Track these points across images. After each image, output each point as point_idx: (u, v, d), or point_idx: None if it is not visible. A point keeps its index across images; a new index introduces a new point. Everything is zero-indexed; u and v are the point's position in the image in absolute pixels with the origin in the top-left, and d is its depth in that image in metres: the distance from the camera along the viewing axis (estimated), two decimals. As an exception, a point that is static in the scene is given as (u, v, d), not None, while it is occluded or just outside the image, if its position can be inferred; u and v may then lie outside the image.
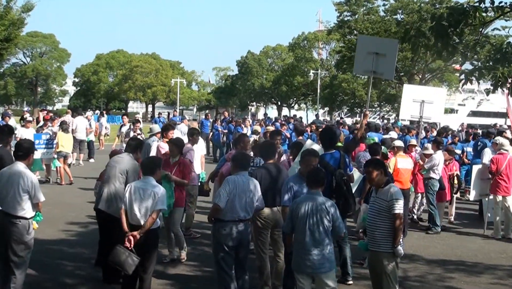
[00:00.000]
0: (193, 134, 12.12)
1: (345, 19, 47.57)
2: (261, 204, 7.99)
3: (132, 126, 18.81)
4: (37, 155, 17.21)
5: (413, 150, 14.07)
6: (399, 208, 7.01)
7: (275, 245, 8.70)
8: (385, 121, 35.98)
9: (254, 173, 8.49)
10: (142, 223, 7.53)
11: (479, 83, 11.84)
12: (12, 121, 20.95)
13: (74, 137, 21.19)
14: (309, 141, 10.93)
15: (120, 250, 7.48)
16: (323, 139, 9.39)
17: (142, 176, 7.93)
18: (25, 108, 36.75)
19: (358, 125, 23.11)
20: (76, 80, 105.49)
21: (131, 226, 7.58)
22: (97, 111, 77.27)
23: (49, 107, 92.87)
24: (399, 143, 13.06)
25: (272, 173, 8.57)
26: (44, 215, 8.23)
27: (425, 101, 15.40)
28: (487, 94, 11.05)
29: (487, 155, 13.92)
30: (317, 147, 9.54)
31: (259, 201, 7.93)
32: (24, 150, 7.78)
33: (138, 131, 17.54)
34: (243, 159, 8.14)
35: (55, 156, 18.16)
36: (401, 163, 12.29)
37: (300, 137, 14.97)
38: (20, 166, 7.64)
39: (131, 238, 7.46)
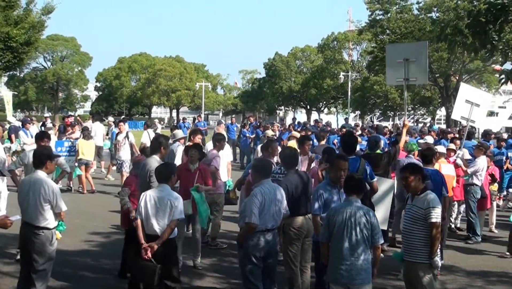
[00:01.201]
0: (219, 140, 12.08)
1: (377, 18, 47.33)
2: (287, 211, 7.95)
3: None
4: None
5: (451, 155, 13.85)
6: (436, 216, 6.93)
7: (303, 255, 8.66)
8: (420, 125, 35.63)
9: (283, 181, 8.46)
10: (159, 233, 7.55)
11: (520, 83, 11.66)
12: (35, 128, 21.15)
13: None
14: None
15: (140, 263, 7.50)
16: (344, 144, 9.49)
17: (158, 184, 7.94)
18: (46, 114, 37.18)
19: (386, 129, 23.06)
20: (98, 84, 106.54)
21: (147, 236, 7.60)
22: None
23: (71, 113, 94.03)
24: (441, 149, 12.89)
25: (302, 180, 8.54)
26: (65, 225, 8.28)
27: (474, 104, 15.20)
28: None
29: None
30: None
31: (285, 208, 7.91)
32: (39, 157, 7.82)
33: None
34: (264, 166, 8.04)
35: (76, 164, 18.22)
36: (444, 169, 12.11)
37: (322, 142, 14.93)
38: (41, 174, 7.68)
39: (149, 248, 7.48)
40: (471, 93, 15.49)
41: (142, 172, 8.92)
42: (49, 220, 7.58)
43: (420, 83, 19.60)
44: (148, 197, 7.65)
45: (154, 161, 8.90)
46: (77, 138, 18.79)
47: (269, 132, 18.14)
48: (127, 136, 18.41)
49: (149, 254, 7.45)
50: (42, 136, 10.98)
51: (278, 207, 7.71)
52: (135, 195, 9.43)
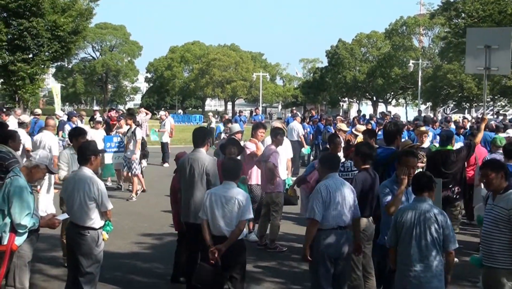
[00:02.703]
0: (276, 135, 12.02)
1: (451, 0, 46.46)
2: (356, 210, 7.80)
3: (223, 127, 18.74)
4: (108, 159, 17.61)
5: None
6: (522, 217, 6.73)
7: (366, 260, 8.59)
8: (501, 117, 34.81)
9: (355, 178, 8.40)
10: (226, 234, 7.55)
11: None
12: (82, 123, 21.41)
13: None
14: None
15: (205, 267, 7.53)
16: (384, 135, 9.62)
17: (223, 181, 7.92)
18: (95, 108, 38.02)
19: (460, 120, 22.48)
20: (149, 76, 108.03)
21: (214, 238, 7.61)
22: (180, 111, 78.75)
23: (120, 106, 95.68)
24: None
25: (370, 180, 8.44)
26: (114, 226, 8.36)
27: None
28: None
29: None
30: None
31: (355, 207, 7.77)
32: (83, 153, 7.89)
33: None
34: (330, 159, 8.04)
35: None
36: None
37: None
38: (86, 171, 7.75)
39: (216, 251, 7.50)
40: None
41: (190, 168, 8.82)
42: (94, 219, 7.66)
43: (502, 74, 19.17)
44: (214, 196, 7.65)
45: (204, 155, 8.89)
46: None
47: (343, 127, 17.64)
48: (134, 132, 17.94)
49: (216, 257, 7.48)
50: (76, 134, 10.48)
51: (347, 202, 7.60)
52: None
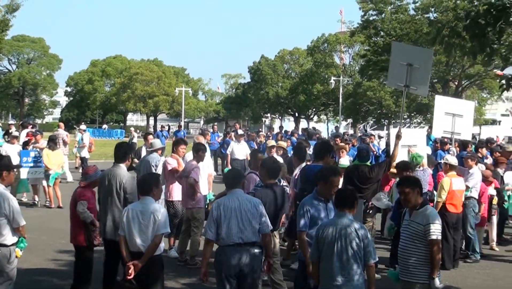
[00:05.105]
0: (198, 150, 12.07)
1: (371, 18, 47.48)
2: (263, 226, 7.65)
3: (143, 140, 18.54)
4: (23, 174, 17.28)
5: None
6: (436, 232, 6.98)
7: (275, 273, 8.92)
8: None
9: (256, 194, 8.50)
10: (143, 250, 7.54)
11: (523, 89, 11.69)
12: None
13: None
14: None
15: (120, 283, 7.48)
16: (314, 151, 10.04)
17: (140, 197, 7.91)
18: (10, 122, 37.09)
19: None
20: (69, 89, 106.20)
21: (132, 254, 7.59)
22: (105, 126, 77.11)
23: (38, 121, 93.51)
24: (453, 160, 12.71)
25: (273, 195, 8.62)
26: (30, 242, 8.21)
27: (455, 115, 15.20)
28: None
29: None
30: None
31: (262, 223, 7.62)
32: None
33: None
34: (228, 176, 8.10)
35: (42, 175, 18.03)
36: (456, 184, 12.07)
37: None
38: (-3, 187, 7.63)
39: (132, 267, 7.44)
40: (449, 105, 15.57)
41: (108, 183, 8.83)
42: (6, 236, 7.55)
43: (419, 94, 19.53)
44: (131, 212, 7.64)
45: (123, 171, 8.84)
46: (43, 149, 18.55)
47: (282, 144, 16.50)
48: None
49: (132, 273, 7.42)
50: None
51: (247, 218, 7.51)
52: (90, 208, 9.30)
